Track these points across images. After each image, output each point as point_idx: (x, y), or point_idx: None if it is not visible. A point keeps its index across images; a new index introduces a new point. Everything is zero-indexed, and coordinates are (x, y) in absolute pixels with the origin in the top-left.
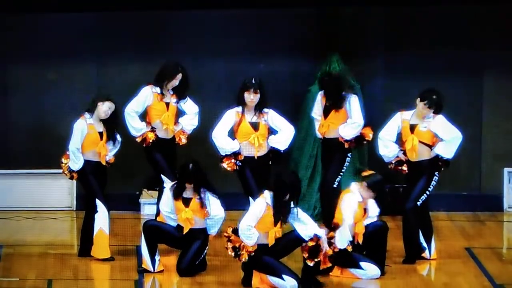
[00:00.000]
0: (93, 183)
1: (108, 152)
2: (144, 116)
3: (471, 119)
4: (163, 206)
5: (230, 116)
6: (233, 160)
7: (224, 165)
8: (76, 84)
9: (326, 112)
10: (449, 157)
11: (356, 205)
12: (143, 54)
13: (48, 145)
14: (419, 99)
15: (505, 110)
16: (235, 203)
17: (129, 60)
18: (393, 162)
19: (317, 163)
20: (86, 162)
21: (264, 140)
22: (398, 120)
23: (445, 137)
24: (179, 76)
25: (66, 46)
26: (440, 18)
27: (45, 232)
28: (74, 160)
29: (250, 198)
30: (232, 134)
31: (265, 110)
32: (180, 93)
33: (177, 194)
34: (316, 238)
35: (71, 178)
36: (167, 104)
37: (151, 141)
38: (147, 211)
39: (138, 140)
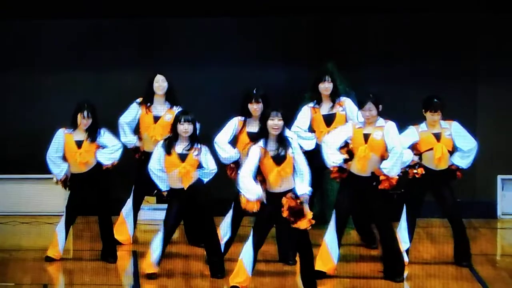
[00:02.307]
0: (70, 196)
1: (101, 152)
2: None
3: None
4: (154, 164)
5: (232, 124)
6: (233, 168)
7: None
8: (73, 90)
9: (327, 121)
10: (466, 167)
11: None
12: (141, 62)
13: (44, 150)
14: (423, 110)
15: (499, 118)
16: None
17: (127, 67)
18: (411, 164)
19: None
20: (72, 175)
21: None
22: (414, 134)
23: (464, 147)
24: (158, 77)
25: (65, 52)
26: (434, 26)
27: (41, 237)
28: (53, 167)
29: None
30: (234, 143)
31: None
32: (171, 101)
33: (170, 145)
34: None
35: (64, 186)
36: (157, 117)
37: (138, 156)
38: (145, 216)
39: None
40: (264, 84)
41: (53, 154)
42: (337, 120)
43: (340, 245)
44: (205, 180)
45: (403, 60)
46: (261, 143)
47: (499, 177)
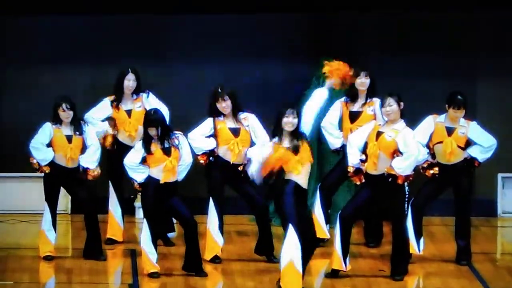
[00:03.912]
0: (47, 186)
1: (82, 158)
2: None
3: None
4: (130, 159)
5: (208, 122)
6: (209, 157)
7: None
8: (71, 87)
9: (352, 117)
10: (482, 161)
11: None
12: (138, 57)
13: None
14: (446, 106)
15: (499, 115)
16: (231, 208)
17: (124, 63)
18: (424, 166)
19: (312, 167)
20: (54, 165)
21: (245, 146)
22: (431, 124)
23: (484, 144)
24: (130, 76)
25: (62, 48)
26: (433, 23)
27: (39, 235)
28: (37, 153)
29: (211, 199)
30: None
31: (245, 115)
32: (136, 91)
33: (147, 144)
34: None
35: (41, 171)
36: (129, 111)
37: (109, 144)
38: (142, 214)
39: (101, 142)
40: (263, 81)
41: (37, 143)
42: (362, 119)
43: (347, 243)
44: (180, 177)
45: (401, 58)
46: (276, 139)
47: (500, 175)
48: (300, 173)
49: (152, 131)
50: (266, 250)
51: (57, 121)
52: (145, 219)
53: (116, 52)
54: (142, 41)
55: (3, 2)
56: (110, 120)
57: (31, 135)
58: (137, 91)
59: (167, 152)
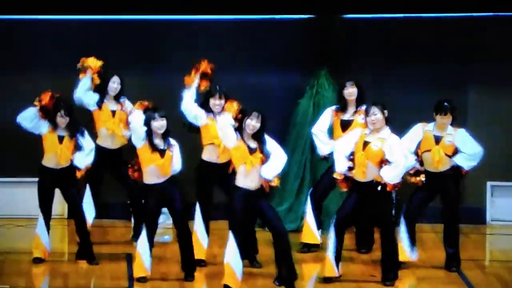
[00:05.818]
0: (41, 190)
1: (75, 159)
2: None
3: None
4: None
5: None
6: None
7: None
8: (69, 93)
9: (343, 126)
10: (467, 169)
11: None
12: (137, 63)
13: (39, 153)
14: (434, 113)
15: (488, 124)
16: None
17: (119, 66)
18: (411, 172)
19: (305, 175)
20: (45, 168)
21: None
22: (419, 132)
23: (468, 152)
24: (115, 78)
25: (62, 53)
26: (424, 33)
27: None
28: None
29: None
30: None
31: None
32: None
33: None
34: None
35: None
36: (113, 112)
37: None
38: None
39: None
40: (258, 90)
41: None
42: (353, 127)
43: (340, 249)
44: None
45: (395, 68)
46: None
47: (489, 183)
48: (248, 171)
49: (159, 122)
50: (250, 253)
51: (52, 123)
52: (144, 222)
53: (115, 58)
54: (138, 47)
55: (4, 2)
56: None
57: (27, 140)
58: (119, 96)
59: (161, 153)
